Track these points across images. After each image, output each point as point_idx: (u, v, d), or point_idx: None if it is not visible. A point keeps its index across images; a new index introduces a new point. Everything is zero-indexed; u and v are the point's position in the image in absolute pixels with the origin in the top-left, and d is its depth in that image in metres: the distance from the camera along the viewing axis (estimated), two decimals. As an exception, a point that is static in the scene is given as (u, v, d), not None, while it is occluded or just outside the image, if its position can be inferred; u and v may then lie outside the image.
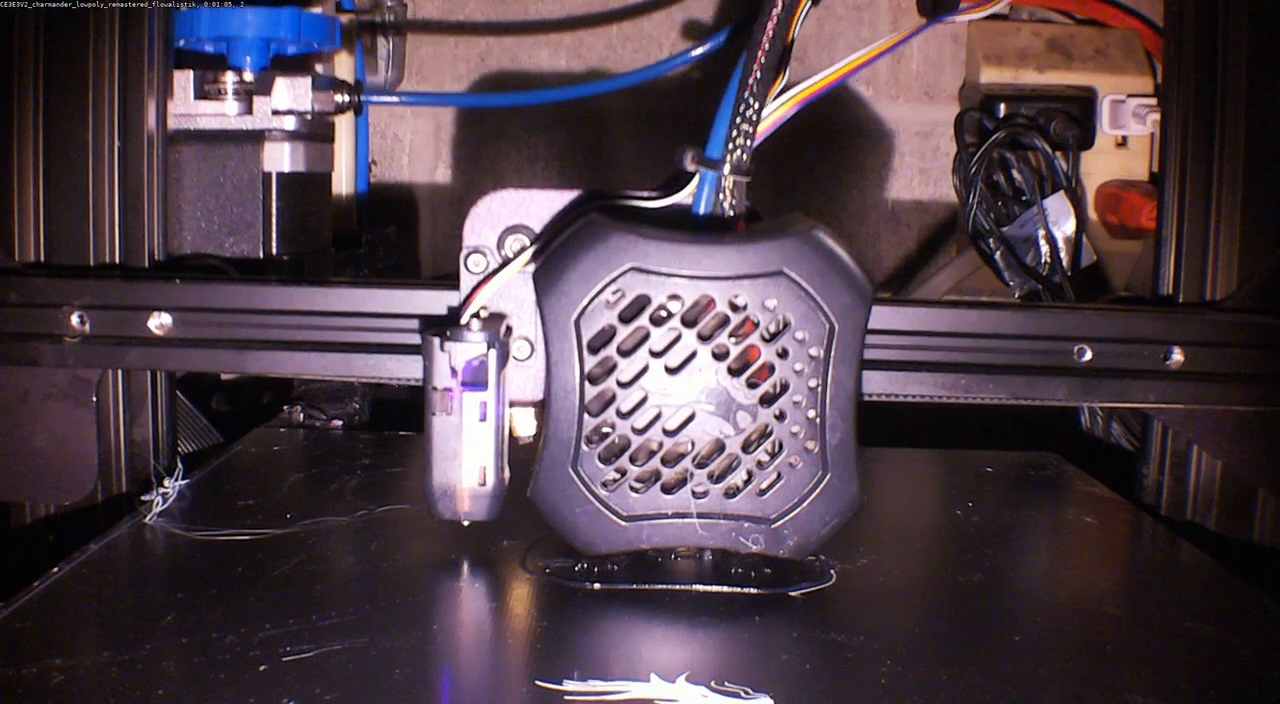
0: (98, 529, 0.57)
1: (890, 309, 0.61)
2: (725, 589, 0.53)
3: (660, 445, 0.52)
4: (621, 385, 0.52)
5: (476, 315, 0.53)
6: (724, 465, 0.52)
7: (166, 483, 0.62)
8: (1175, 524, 0.69)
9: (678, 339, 0.51)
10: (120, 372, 0.67)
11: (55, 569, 0.52)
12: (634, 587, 0.53)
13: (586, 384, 0.51)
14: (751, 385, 0.52)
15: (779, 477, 0.52)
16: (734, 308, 0.51)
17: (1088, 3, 1.06)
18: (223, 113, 0.76)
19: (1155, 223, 0.73)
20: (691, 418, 0.52)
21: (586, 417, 0.52)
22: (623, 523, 0.52)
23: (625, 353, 0.51)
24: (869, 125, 1.14)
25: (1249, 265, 0.69)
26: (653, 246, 0.50)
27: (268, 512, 0.60)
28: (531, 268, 0.54)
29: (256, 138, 0.76)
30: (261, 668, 0.43)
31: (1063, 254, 0.91)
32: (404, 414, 0.97)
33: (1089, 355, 0.62)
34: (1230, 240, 0.69)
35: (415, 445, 0.76)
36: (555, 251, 0.52)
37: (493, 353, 0.52)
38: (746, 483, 0.52)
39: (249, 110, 0.76)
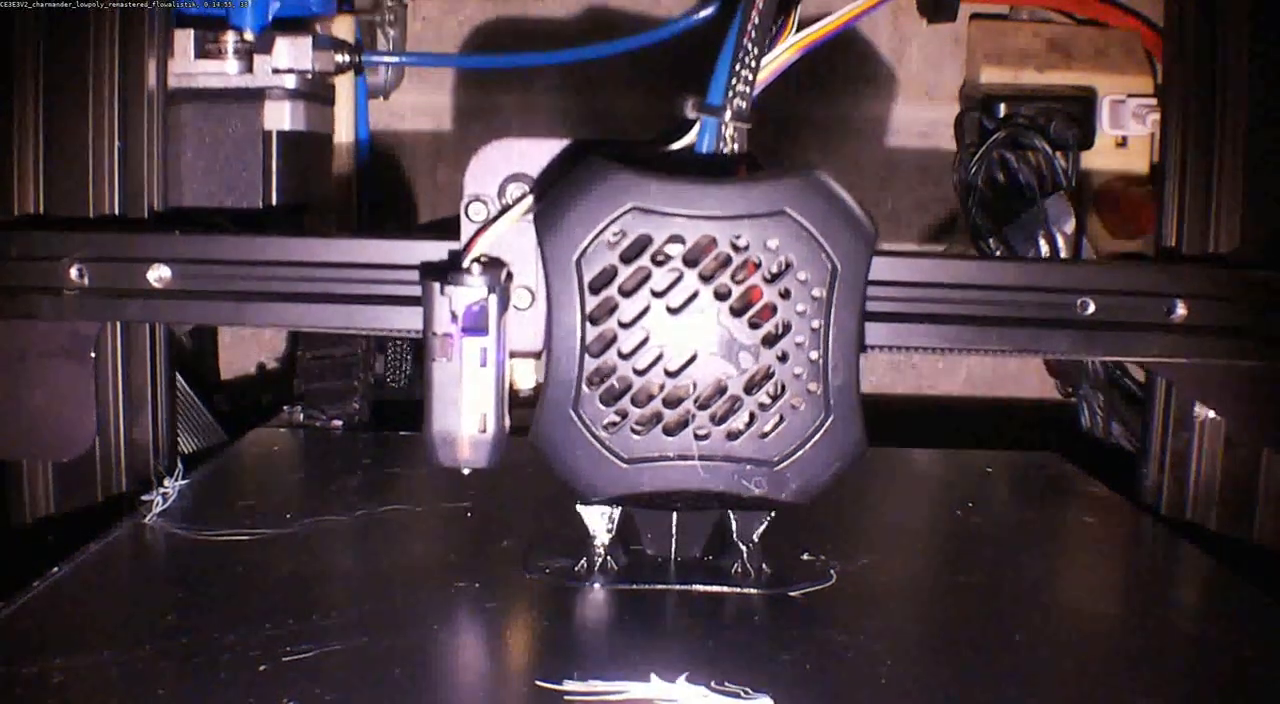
0: (98, 529, 0.57)
1: (893, 261, 0.60)
2: (725, 589, 0.53)
3: (662, 387, 0.51)
4: (623, 326, 0.51)
5: (477, 260, 0.53)
6: (726, 407, 0.51)
7: (166, 483, 0.62)
8: (1175, 524, 0.69)
9: (679, 279, 0.51)
10: (120, 371, 0.67)
11: (55, 569, 0.52)
12: (634, 587, 0.53)
13: (588, 325, 0.51)
14: (754, 326, 0.51)
15: (781, 419, 0.51)
16: (736, 248, 0.50)
17: (1088, 3, 1.06)
18: (223, 71, 0.75)
19: (1155, 222, 0.73)
20: (693, 359, 0.51)
21: (588, 358, 0.51)
22: (624, 465, 0.51)
23: (627, 293, 0.51)
24: (868, 125, 1.14)
25: (1253, 220, 0.68)
26: (654, 186, 0.50)
27: (268, 512, 0.60)
28: (532, 217, 0.53)
29: (257, 97, 0.76)
30: (261, 668, 0.43)
31: (1063, 254, 0.91)
32: (404, 414, 0.97)
33: (1092, 308, 0.61)
34: (1233, 194, 0.68)
35: (415, 445, 0.76)
36: (556, 192, 0.51)
37: (493, 298, 0.51)
38: (749, 425, 0.52)
39: (249, 69, 0.76)
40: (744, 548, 0.54)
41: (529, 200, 0.54)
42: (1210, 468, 0.70)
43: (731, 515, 0.54)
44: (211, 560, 0.54)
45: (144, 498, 0.60)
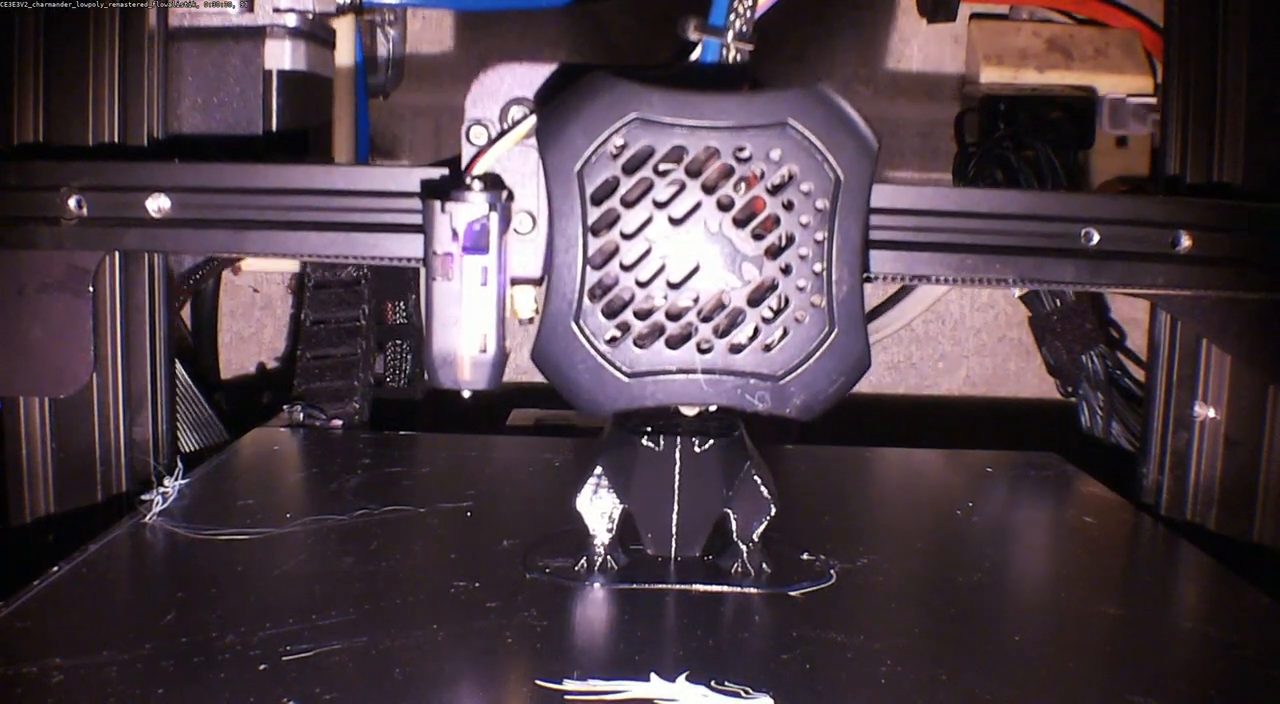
0: (98, 529, 0.57)
1: (897, 189, 0.60)
2: (725, 589, 0.53)
3: (664, 299, 0.51)
4: (625, 237, 0.51)
5: (479, 178, 0.53)
6: (729, 320, 0.51)
7: (166, 482, 0.62)
8: (1175, 524, 0.69)
9: (682, 190, 0.50)
10: (120, 371, 0.67)
11: (55, 569, 0.52)
12: (634, 587, 0.53)
13: (589, 236, 0.50)
14: (757, 237, 0.51)
15: (785, 332, 0.51)
16: (738, 160, 0.50)
17: (1088, 3, 1.06)
18: (224, 9, 0.75)
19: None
20: (696, 270, 0.51)
21: (589, 270, 0.51)
22: (626, 379, 0.51)
23: (629, 204, 0.51)
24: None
25: (1258, 150, 0.68)
26: (657, 97, 0.49)
27: (268, 512, 0.60)
28: (534, 141, 0.53)
29: (257, 35, 0.76)
30: (261, 668, 0.43)
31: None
32: (404, 414, 0.97)
33: (1096, 238, 0.61)
34: (1236, 124, 0.68)
35: (415, 445, 0.76)
36: (558, 103, 0.51)
37: (494, 216, 0.51)
38: (752, 338, 0.51)
39: (250, 7, 0.76)
40: (744, 548, 0.54)
41: (531, 121, 0.54)
42: (1210, 468, 0.70)
43: (731, 515, 0.54)
44: (211, 560, 0.54)
45: (144, 498, 0.60)
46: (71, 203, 0.61)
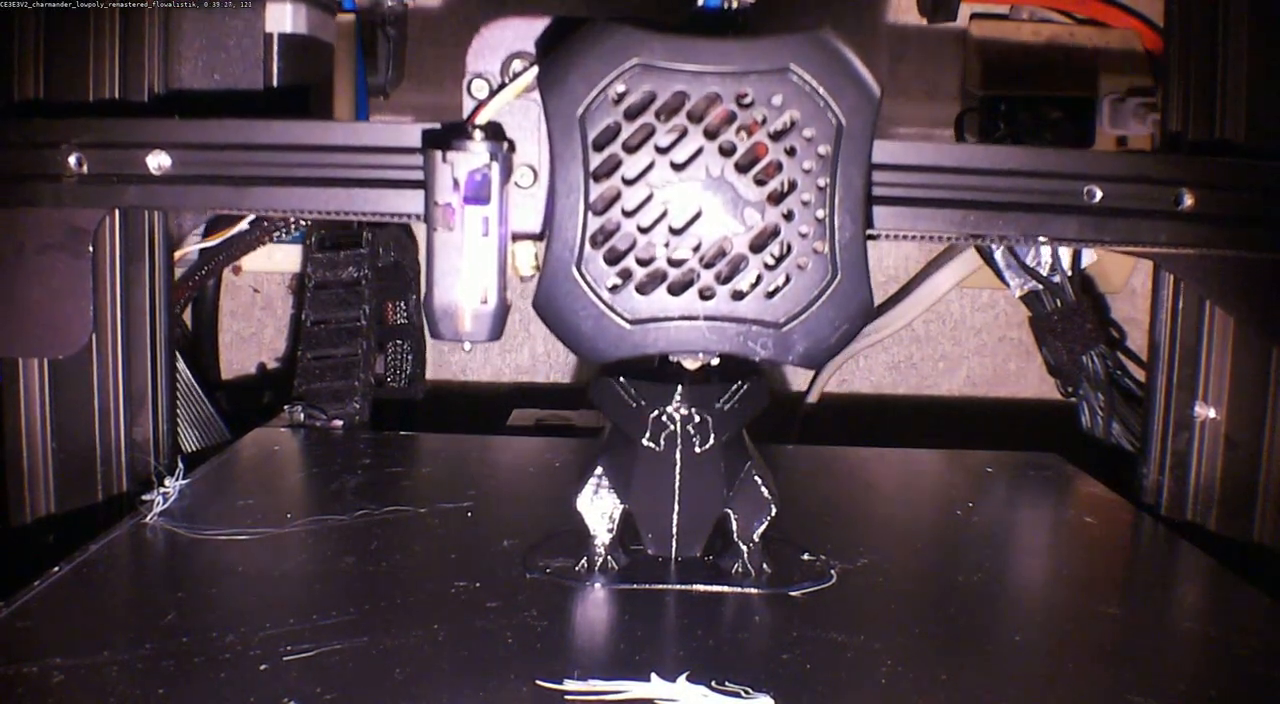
0: (98, 529, 0.57)
1: (899, 145, 0.60)
2: (725, 589, 0.53)
3: (666, 245, 0.51)
4: (627, 183, 0.51)
5: (480, 128, 0.52)
6: (731, 266, 0.51)
7: (166, 482, 0.62)
8: (1175, 524, 0.69)
9: (684, 135, 0.50)
10: (120, 371, 0.67)
11: (55, 569, 0.52)
12: (634, 587, 0.53)
13: (591, 182, 0.50)
14: (759, 183, 0.50)
15: (787, 279, 0.51)
16: (740, 105, 0.50)
17: (1088, 2, 1.06)
18: None
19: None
20: (698, 216, 0.51)
21: (591, 216, 0.51)
22: (628, 326, 0.51)
23: (630, 150, 0.50)
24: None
25: (1261, 107, 0.67)
26: (658, 42, 0.49)
27: (268, 512, 0.60)
28: (535, 96, 0.52)
29: None
30: (261, 668, 0.43)
31: (1063, 254, 0.91)
32: (404, 414, 0.97)
33: (1099, 195, 0.60)
34: (1238, 80, 0.67)
35: (415, 445, 0.76)
36: (560, 50, 0.51)
37: (495, 166, 0.51)
38: (754, 285, 0.51)
39: None
40: (744, 548, 0.54)
41: (532, 73, 0.53)
42: (1210, 468, 0.70)
43: (732, 515, 0.54)
44: (211, 560, 0.54)
45: (144, 498, 0.60)
46: (72, 160, 0.61)
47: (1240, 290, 0.66)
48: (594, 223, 0.50)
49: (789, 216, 0.50)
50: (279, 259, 1.03)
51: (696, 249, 0.51)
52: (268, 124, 0.60)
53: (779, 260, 0.51)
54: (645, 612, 0.51)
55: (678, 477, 0.54)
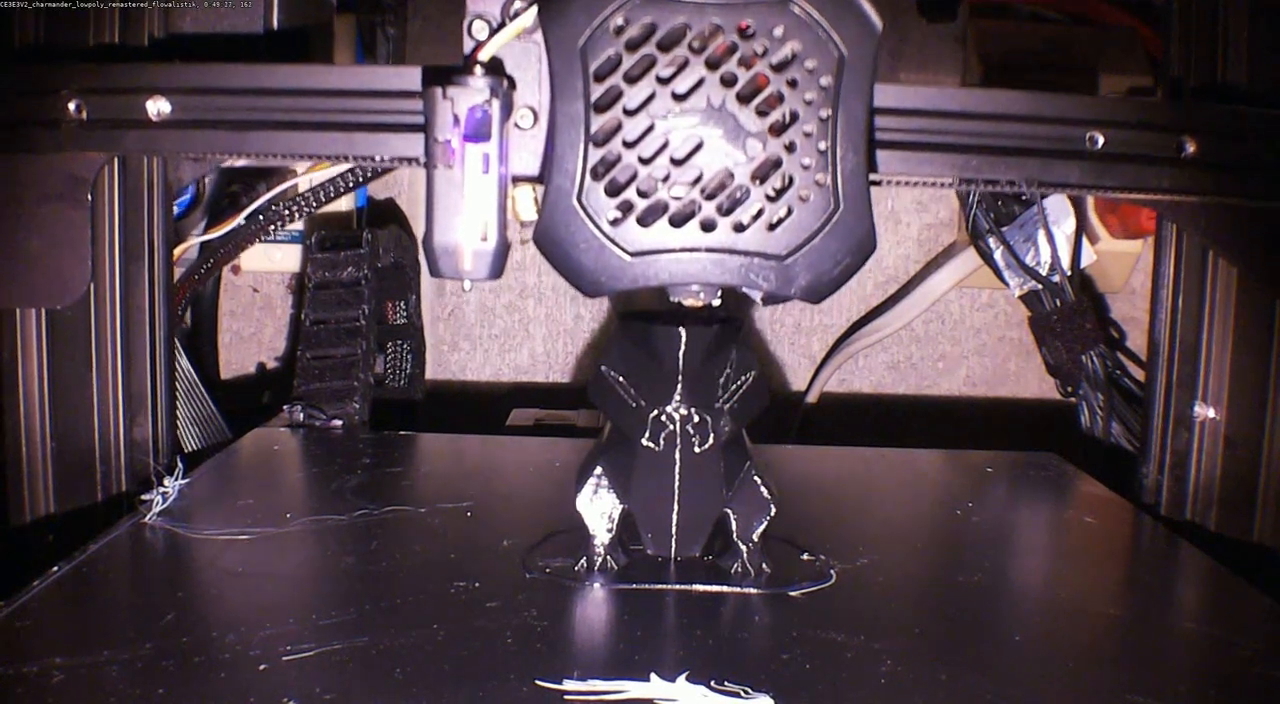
0: (98, 529, 0.57)
1: (902, 89, 0.59)
2: (725, 589, 0.53)
3: (667, 177, 0.51)
4: (628, 114, 0.50)
5: (480, 65, 0.52)
6: (733, 198, 0.51)
7: (166, 482, 0.62)
8: (1175, 524, 0.69)
9: (685, 66, 0.50)
10: (120, 371, 0.67)
11: (55, 569, 0.52)
12: (634, 587, 0.53)
13: (592, 114, 0.50)
14: (761, 113, 0.50)
15: (789, 211, 0.51)
16: (742, 36, 0.50)
17: (1088, 2, 1.06)
18: None
19: (1155, 222, 0.72)
20: (699, 147, 0.51)
21: (592, 148, 0.51)
22: (628, 258, 0.51)
23: (631, 80, 0.50)
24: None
25: (1263, 54, 0.67)
26: None
27: (268, 512, 0.60)
28: (537, 37, 0.53)
29: None
30: (261, 668, 0.43)
31: (1062, 254, 0.91)
32: (404, 414, 0.97)
33: (1101, 141, 0.60)
34: (1240, 25, 0.67)
35: (415, 445, 0.76)
36: None
37: (495, 103, 0.51)
38: (756, 218, 0.51)
39: None
40: (744, 548, 0.54)
41: (532, 12, 0.53)
42: (1210, 468, 0.70)
43: (731, 515, 0.54)
44: (211, 560, 0.54)
45: (144, 498, 0.60)
46: (71, 106, 0.60)
47: (1243, 239, 0.66)
48: (595, 154, 0.51)
49: (791, 148, 0.51)
50: (279, 259, 1.03)
51: (698, 181, 0.51)
52: (267, 68, 0.60)
53: (781, 192, 0.51)
54: (645, 612, 0.50)
55: (677, 476, 0.54)
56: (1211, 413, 0.70)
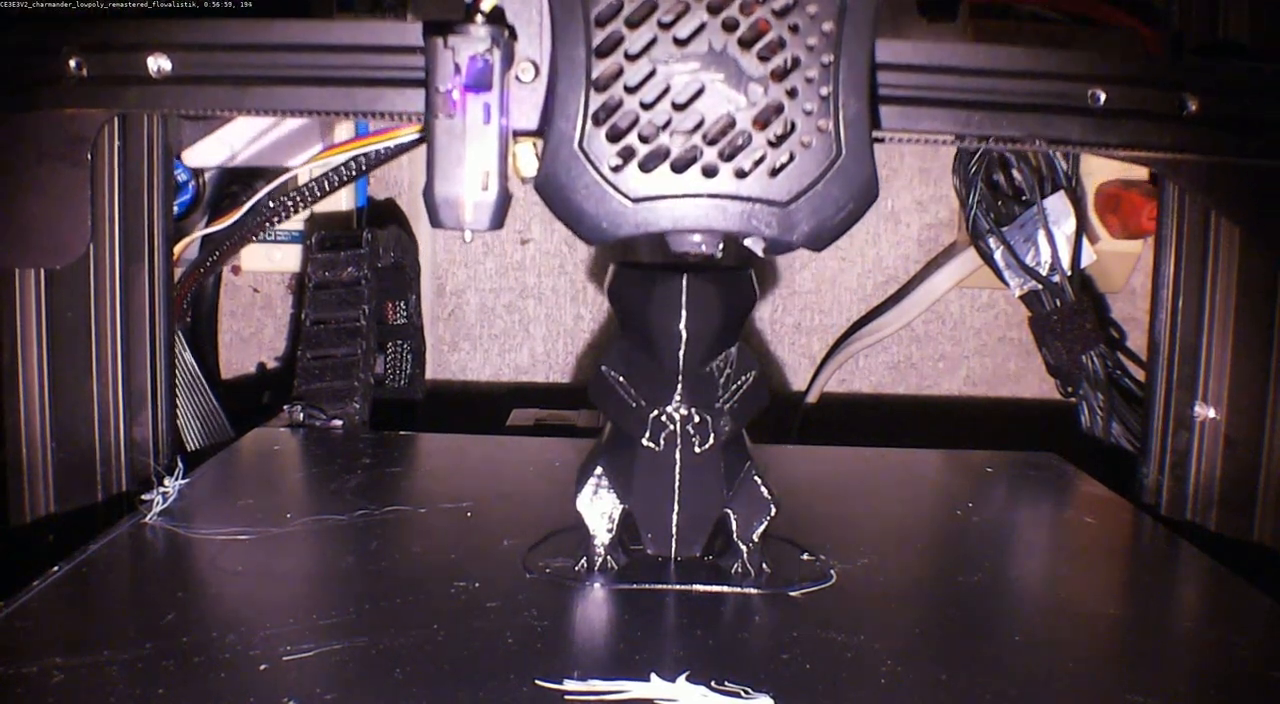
0: (98, 529, 0.57)
1: (903, 44, 0.59)
2: (725, 589, 0.53)
3: (669, 122, 0.51)
4: (629, 58, 0.51)
5: (481, 12, 0.52)
6: (735, 144, 0.51)
7: (166, 482, 0.62)
8: (1175, 524, 0.69)
9: (687, 10, 0.50)
10: (120, 371, 0.67)
11: (55, 569, 0.52)
12: (634, 587, 0.53)
13: (593, 58, 0.50)
14: (762, 59, 0.51)
15: (791, 157, 0.51)
16: None
17: (1088, 2, 1.06)
18: None
19: (1156, 223, 0.72)
20: (701, 92, 0.51)
21: (593, 93, 0.51)
22: (630, 204, 0.51)
23: (633, 25, 0.50)
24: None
25: (1264, 9, 0.67)
26: None
27: (267, 511, 0.60)
28: None
29: None
30: (261, 668, 0.43)
31: (1063, 254, 0.91)
32: (404, 414, 0.97)
33: (1103, 98, 0.60)
34: None
35: (415, 445, 0.76)
36: None
37: (496, 52, 0.51)
38: (758, 164, 0.51)
39: None
40: (744, 548, 0.54)
41: None
42: (1210, 468, 0.70)
43: (731, 515, 0.54)
44: (212, 560, 0.54)
45: (144, 497, 0.60)
46: (71, 64, 0.60)
47: (1245, 199, 0.66)
48: (596, 100, 0.51)
49: (793, 94, 0.51)
50: (279, 259, 1.03)
51: (699, 126, 0.51)
52: (268, 24, 0.60)
53: (782, 138, 0.51)
54: (645, 612, 0.51)
55: (677, 476, 0.54)
56: (1211, 413, 0.70)
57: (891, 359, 1.14)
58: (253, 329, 1.13)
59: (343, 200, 1.01)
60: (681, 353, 0.53)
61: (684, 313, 0.52)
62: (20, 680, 0.41)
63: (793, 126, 0.51)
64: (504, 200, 0.52)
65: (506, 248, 1.12)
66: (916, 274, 1.12)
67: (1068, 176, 0.92)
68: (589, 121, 0.51)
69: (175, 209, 0.83)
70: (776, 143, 0.51)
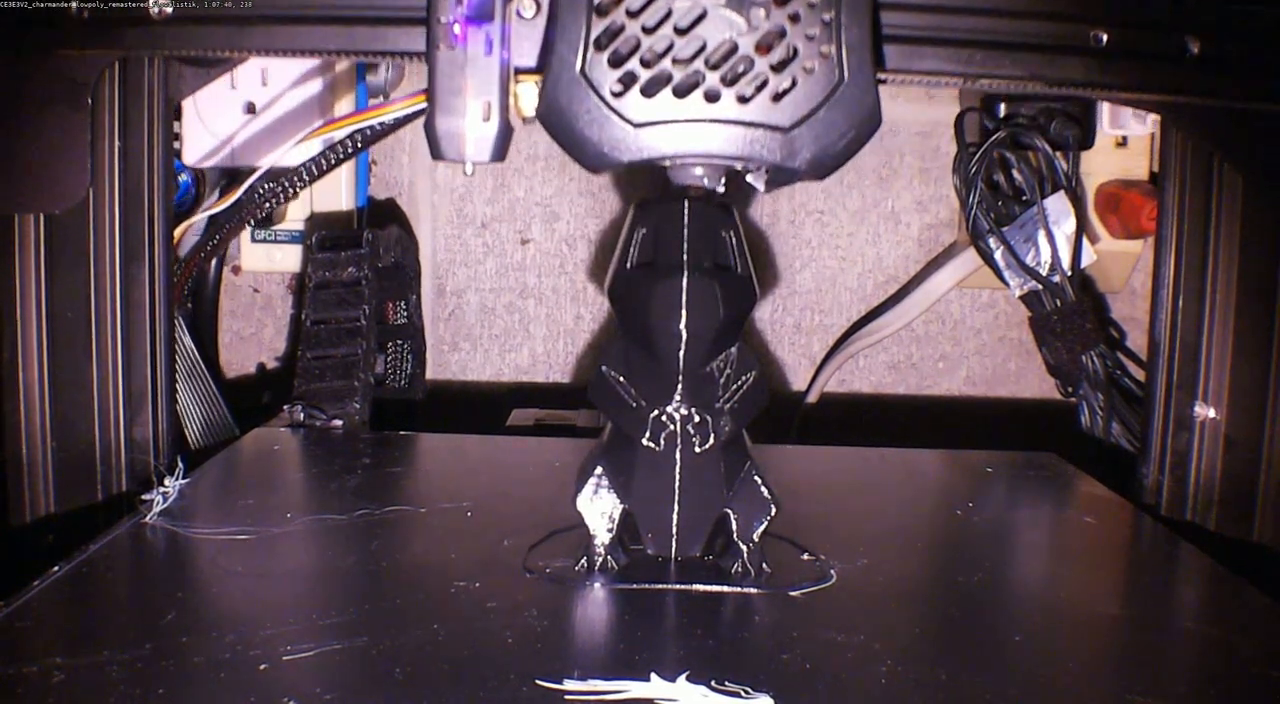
0: (98, 529, 0.57)
1: None
2: (725, 589, 0.53)
3: (671, 47, 0.51)
4: None
5: None
6: (736, 69, 0.51)
7: (166, 482, 0.62)
8: (1175, 524, 0.69)
9: None
10: (121, 371, 0.67)
11: (55, 569, 0.52)
12: (634, 586, 0.53)
13: None
14: None
15: (793, 82, 0.51)
16: None
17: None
18: None
19: (1156, 223, 0.72)
20: (703, 16, 0.51)
21: (595, 18, 0.51)
22: (632, 129, 0.51)
23: None
24: (869, 125, 1.14)
25: None
26: None
27: (268, 511, 0.60)
28: None
29: None
30: (261, 668, 0.43)
31: (1063, 254, 0.91)
32: (404, 414, 0.97)
33: (1105, 39, 0.60)
34: None
35: (415, 445, 0.76)
36: None
37: None
38: (760, 89, 0.51)
39: None
40: (744, 548, 0.54)
41: None
42: (1210, 468, 0.70)
43: (732, 515, 0.54)
44: (212, 560, 0.54)
45: (144, 497, 0.60)
46: (72, 5, 0.60)
47: (1249, 144, 0.65)
48: (598, 25, 0.51)
49: (795, 19, 0.51)
50: (279, 259, 1.03)
51: (701, 51, 0.51)
52: None
53: (785, 64, 0.51)
54: (645, 612, 0.51)
55: (678, 476, 0.54)
56: (1211, 413, 0.70)
57: (891, 359, 1.14)
58: (253, 329, 1.13)
59: (343, 200, 1.01)
60: (681, 353, 0.53)
61: (684, 313, 0.52)
62: (20, 680, 0.41)
63: (795, 52, 0.51)
64: (505, 133, 0.52)
65: (506, 248, 1.12)
66: (917, 274, 1.12)
67: (1068, 176, 0.92)
68: (591, 47, 0.51)
69: (174, 208, 0.83)
70: (779, 68, 0.51)
